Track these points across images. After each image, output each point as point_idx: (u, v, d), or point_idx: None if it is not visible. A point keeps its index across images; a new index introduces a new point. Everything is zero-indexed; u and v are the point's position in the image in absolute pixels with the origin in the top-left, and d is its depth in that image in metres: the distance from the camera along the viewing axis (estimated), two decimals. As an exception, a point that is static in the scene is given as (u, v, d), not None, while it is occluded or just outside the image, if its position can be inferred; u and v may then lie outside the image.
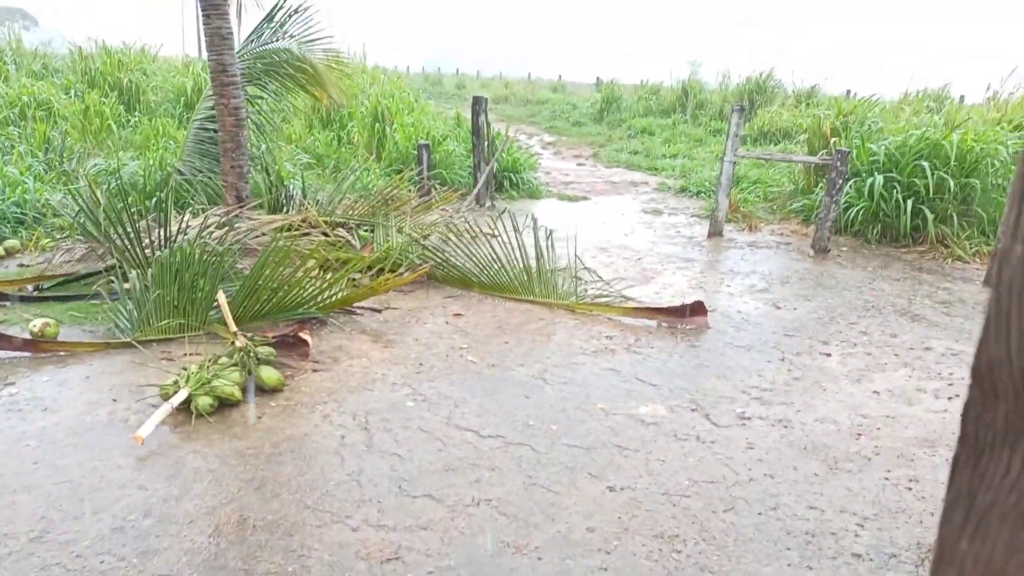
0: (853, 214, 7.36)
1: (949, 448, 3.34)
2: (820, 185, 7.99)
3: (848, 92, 19.94)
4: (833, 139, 8.29)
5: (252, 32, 6.49)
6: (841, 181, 6.73)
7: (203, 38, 5.51)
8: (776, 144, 13.68)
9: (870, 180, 7.25)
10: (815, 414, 3.63)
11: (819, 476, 3.05)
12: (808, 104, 14.90)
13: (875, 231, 7.28)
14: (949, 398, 3.90)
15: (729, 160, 7.26)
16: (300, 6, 6.42)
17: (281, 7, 6.37)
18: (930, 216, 6.95)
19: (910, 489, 2.99)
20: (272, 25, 6.39)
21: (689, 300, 5.02)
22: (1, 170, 6.28)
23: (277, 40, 6.39)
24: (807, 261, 6.70)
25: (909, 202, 6.99)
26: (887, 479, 3.06)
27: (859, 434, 3.44)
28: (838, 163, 6.66)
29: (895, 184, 7.15)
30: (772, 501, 2.85)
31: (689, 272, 6.22)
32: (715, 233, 7.55)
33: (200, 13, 5.45)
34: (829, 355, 4.44)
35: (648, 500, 2.82)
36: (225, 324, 3.95)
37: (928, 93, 13.79)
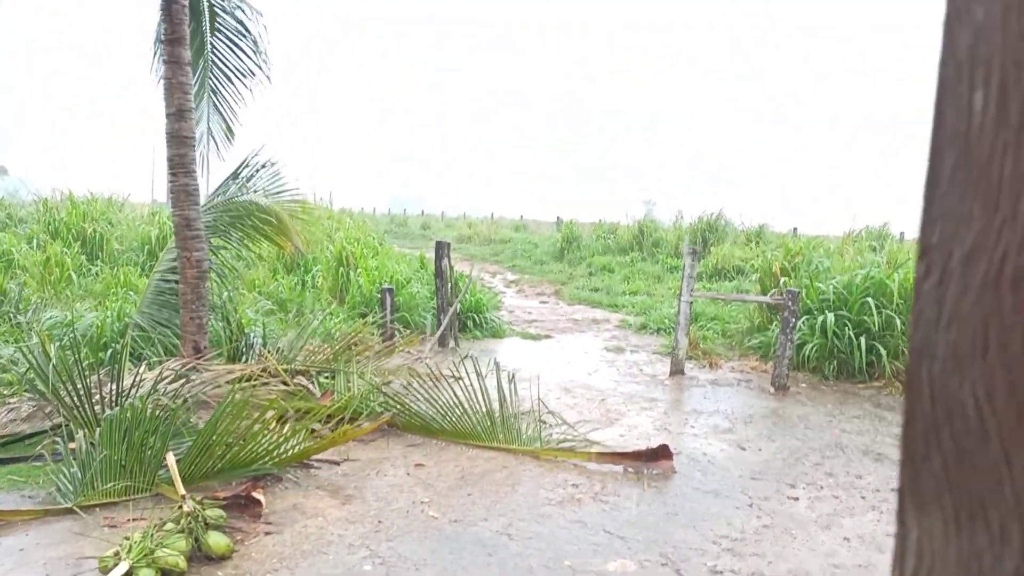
0: (808, 351, 7.53)
1: (925, 599, 3.25)
2: (775, 322, 8.22)
3: (794, 230, 21.00)
4: (783, 279, 8.62)
5: (219, 186, 6.68)
6: (794, 320, 6.94)
7: (169, 194, 5.63)
8: (731, 280, 14.15)
9: (821, 318, 7.48)
10: (787, 564, 3.53)
11: (796, 636, 2.93)
12: (757, 242, 15.57)
13: (831, 367, 7.43)
14: (920, 542, 3.84)
15: (686, 300, 7.46)
16: (267, 162, 6.66)
17: (247, 164, 6.61)
18: (883, 352, 7.13)
19: (890, 647, 2.88)
20: (238, 181, 6.60)
21: (654, 443, 4.98)
22: (-49, 325, 6.16)
23: (244, 194, 6.57)
24: (768, 399, 6.76)
25: (862, 339, 7.19)
26: (866, 637, 2.94)
27: (833, 586, 3.34)
28: (790, 303, 6.88)
29: (846, 321, 7.38)
30: (749, 668, 2.71)
31: (653, 413, 6.20)
32: (677, 371, 7.62)
33: (168, 170, 5.61)
34: (797, 499, 4.39)
35: (620, 672, 2.66)
36: (173, 485, 3.78)
37: (870, 231, 14.58)
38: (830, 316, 7.41)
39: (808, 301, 7.79)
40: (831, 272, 8.40)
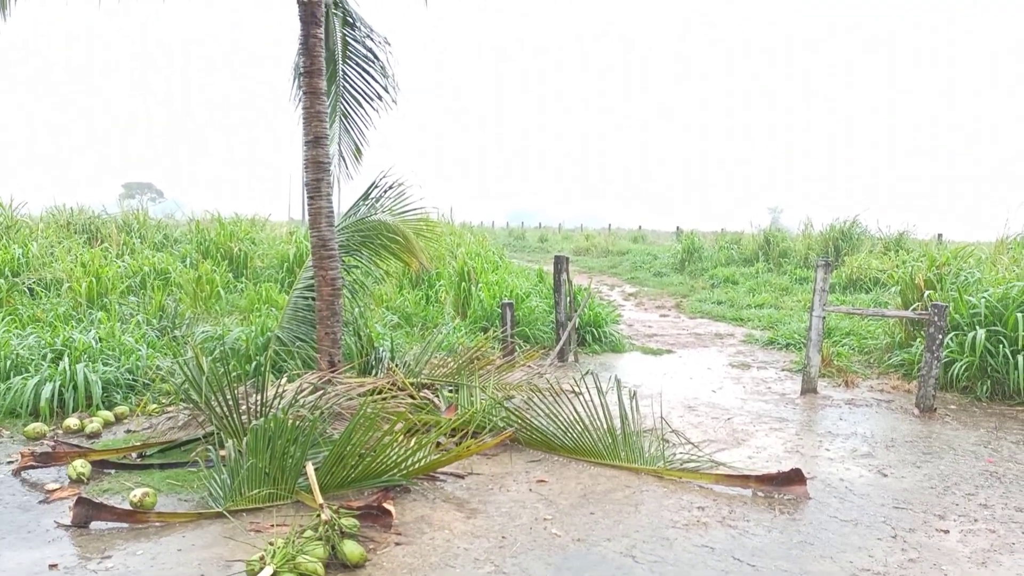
0: (957, 369, 6.96)
1: (1104, 653, 2.92)
2: (919, 338, 7.67)
3: (939, 237, 19.50)
4: (928, 291, 8.02)
5: (350, 208, 7.04)
6: (941, 336, 6.44)
7: (306, 215, 5.99)
8: (867, 292, 13.33)
9: (972, 334, 6.90)
10: (938, 605, 3.28)
11: None
12: (897, 251, 14.60)
13: (985, 388, 6.83)
14: (1096, 588, 3.45)
15: (818, 315, 7.10)
16: (394, 183, 6.96)
17: (376, 185, 6.93)
18: (1046, 372, 6.49)
19: None
20: (368, 202, 6.93)
21: (785, 466, 4.77)
22: (119, 338, 6.81)
23: (373, 214, 6.89)
24: (912, 421, 6.30)
25: (1020, 357, 6.57)
26: None
27: (992, 632, 3.06)
28: (936, 318, 6.40)
29: (1001, 338, 6.78)
30: None
31: (783, 433, 5.94)
32: (809, 390, 7.26)
33: (306, 194, 5.97)
34: (947, 532, 4.06)
35: None
36: (312, 493, 3.99)
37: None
38: (981, 332, 6.82)
39: (956, 316, 7.22)
40: (983, 284, 7.74)
